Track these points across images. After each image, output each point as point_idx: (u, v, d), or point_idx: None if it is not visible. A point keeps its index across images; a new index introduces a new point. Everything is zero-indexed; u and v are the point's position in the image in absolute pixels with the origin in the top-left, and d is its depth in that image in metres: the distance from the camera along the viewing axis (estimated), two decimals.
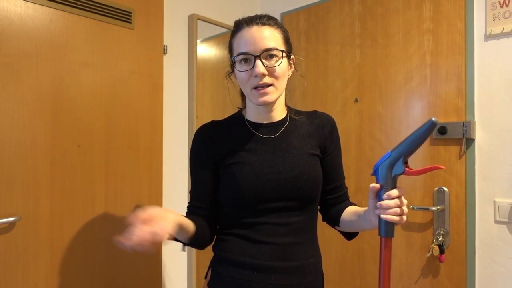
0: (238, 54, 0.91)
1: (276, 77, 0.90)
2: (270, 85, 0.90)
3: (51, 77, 1.29)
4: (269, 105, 0.97)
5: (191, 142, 1.08)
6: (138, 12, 1.54)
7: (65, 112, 1.33)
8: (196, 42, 1.79)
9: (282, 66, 0.91)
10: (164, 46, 1.67)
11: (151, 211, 0.78)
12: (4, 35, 1.19)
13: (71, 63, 1.34)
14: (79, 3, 1.37)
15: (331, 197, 1.05)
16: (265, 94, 0.90)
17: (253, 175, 0.93)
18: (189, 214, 1.02)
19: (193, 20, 1.78)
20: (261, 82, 0.89)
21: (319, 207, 1.07)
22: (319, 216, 1.07)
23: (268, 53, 0.89)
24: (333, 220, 1.04)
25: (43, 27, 1.28)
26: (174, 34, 1.74)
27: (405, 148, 0.80)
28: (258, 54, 0.88)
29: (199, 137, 1.02)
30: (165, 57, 1.69)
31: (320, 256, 1.01)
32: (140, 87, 1.54)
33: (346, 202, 1.06)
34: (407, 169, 0.80)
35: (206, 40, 1.86)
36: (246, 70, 0.90)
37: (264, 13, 0.97)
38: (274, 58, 0.90)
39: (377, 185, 0.82)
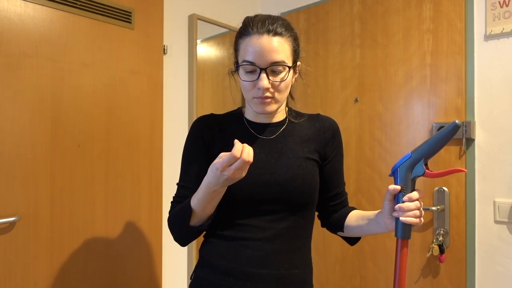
0: (244, 62, 0.88)
1: (279, 91, 0.89)
2: (272, 97, 0.89)
3: (51, 77, 1.29)
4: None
5: None
6: (138, 12, 1.54)
7: (65, 112, 1.33)
8: (196, 42, 1.79)
9: (286, 81, 0.89)
10: (164, 46, 1.67)
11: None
12: (4, 35, 1.19)
13: (71, 63, 1.34)
14: (79, 3, 1.37)
15: (333, 204, 1.02)
16: (266, 104, 0.89)
17: None
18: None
19: (193, 20, 1.78)
20: (263, 96, 0.88)
21: (317, 214, 1.05)
22: (317, 224, 1.04)
23: (274, 67, 0.87)
24: (336, 226, 1.01)
25: (43, 27, 1.28)
26: (174, 34, 1.74)
27: (426, 149, 0.79)
28: (264, 67, 0.86)
29: (198, 126, 0.99)
30: (165, 57, 1.69)
31: (310, 268, 0.97)
32: (140, 87, 1.54)
33: (347, 207, 1.04)
34: (427, 171, 0.79)
35: (206, 40, 1.86)
36: (250, 81, 0.88)
37: (276, 14, 0.93)
38: (280, 72, 0.88)
39: (398, 187, 0.81)
